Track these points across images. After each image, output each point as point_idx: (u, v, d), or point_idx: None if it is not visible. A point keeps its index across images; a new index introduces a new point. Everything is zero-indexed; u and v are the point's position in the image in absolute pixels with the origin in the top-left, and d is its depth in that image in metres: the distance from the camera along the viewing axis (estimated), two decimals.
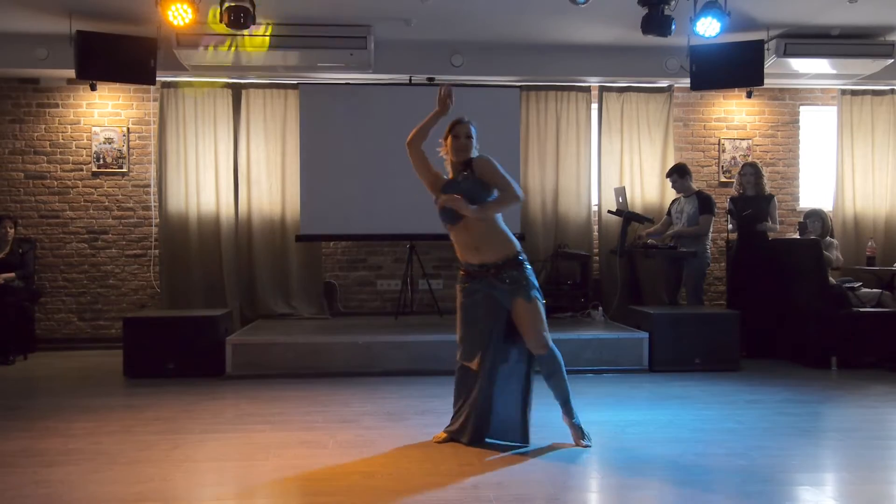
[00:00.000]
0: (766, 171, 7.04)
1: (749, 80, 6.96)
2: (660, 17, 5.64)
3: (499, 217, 3.84)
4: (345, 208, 7.25)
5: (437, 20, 6.55)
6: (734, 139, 7.99)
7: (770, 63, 6.84)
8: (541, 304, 3.82)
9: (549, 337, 3.81)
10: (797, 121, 8.07)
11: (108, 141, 7.50)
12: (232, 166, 7.49)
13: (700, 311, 6.45)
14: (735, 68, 6.75)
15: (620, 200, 7.05)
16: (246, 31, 5.46)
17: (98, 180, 7.53)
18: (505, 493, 3.19)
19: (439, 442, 3.92)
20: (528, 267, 3.84)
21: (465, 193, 3.72)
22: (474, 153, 3.84)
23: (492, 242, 3.79)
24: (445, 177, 3.94)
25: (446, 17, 6.50)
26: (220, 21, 5.51)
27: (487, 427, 3.90)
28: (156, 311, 7.14)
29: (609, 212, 7.38)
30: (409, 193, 7.19)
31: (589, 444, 3.84)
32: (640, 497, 3.23)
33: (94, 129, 7.49)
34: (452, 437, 3.94)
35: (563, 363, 3.84)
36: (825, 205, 7.67)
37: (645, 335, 6.05)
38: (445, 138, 3.88)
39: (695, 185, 7.08)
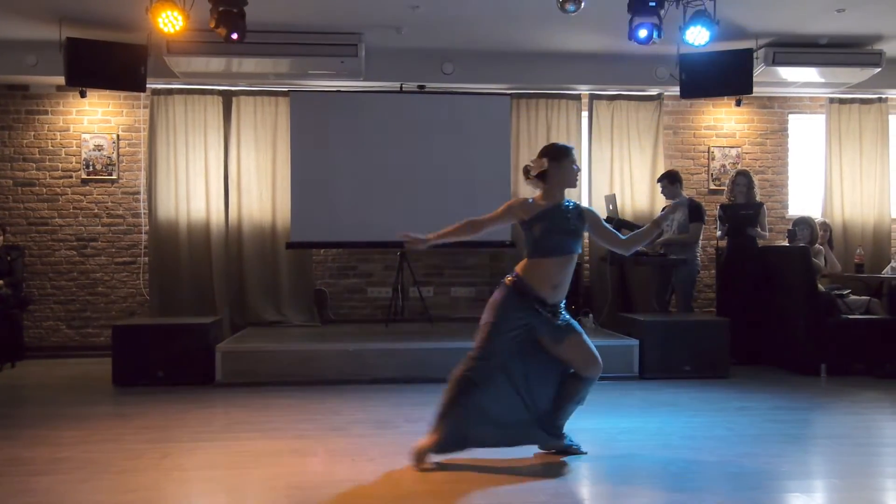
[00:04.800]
0: (756, 180, 7.08)
1: (738, 89, 7.01)
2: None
3: None
4: (335, 216, 7.24)
5: (428, 28, 6.56)
6: (724, 147, 8.04)
7: (759, 71, 6.90)
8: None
9: None
10: (786, 129, 8.12)
11: (98, 148, 7.48)
12: (222, 173, 7.47)
13: (690, 318, 6.48)
14: (724, 77, 6.82)
15: (611, 208, 7.07)
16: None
17: (87, 187, 7.50)
18: (495, 500, 3.19)
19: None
20: None
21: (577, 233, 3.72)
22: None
23: (567, 285, 3.75)
24: (530, 201, 3.72)
25: (437, 26, 6.52)
26: (212, 27, 5.51)
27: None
28: (145, 318, 7.10)
29: None
30: (399, 201, 7.26)
31: (584, 451, 3.85)
32: None
33: (83, 136, 7.46)
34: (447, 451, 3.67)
35: None
36: (814, 212, 7.73)
37: (635, 342, 6.06)
38: (560, 162, 3.68)
39: (685, 193, 7.12)
